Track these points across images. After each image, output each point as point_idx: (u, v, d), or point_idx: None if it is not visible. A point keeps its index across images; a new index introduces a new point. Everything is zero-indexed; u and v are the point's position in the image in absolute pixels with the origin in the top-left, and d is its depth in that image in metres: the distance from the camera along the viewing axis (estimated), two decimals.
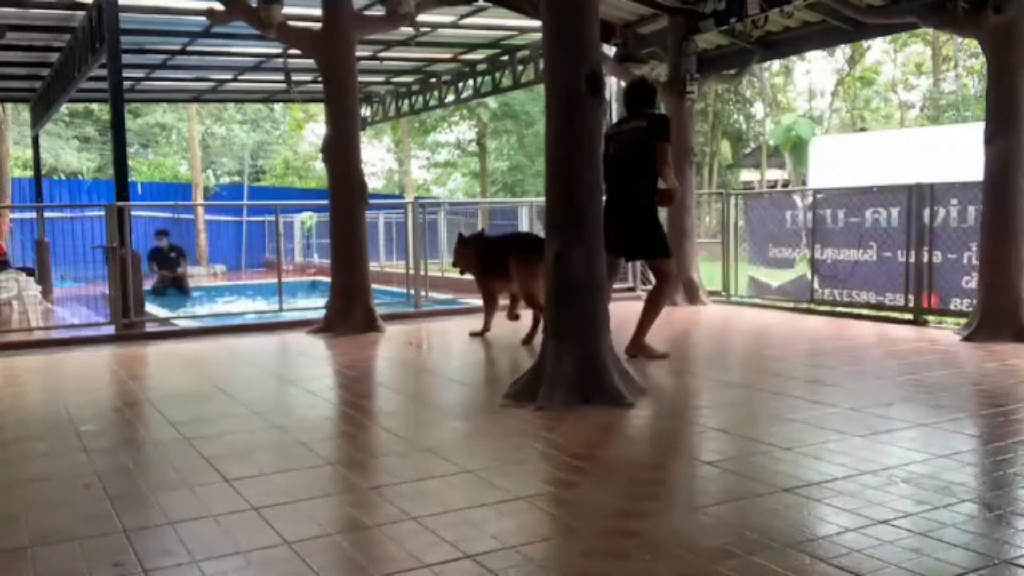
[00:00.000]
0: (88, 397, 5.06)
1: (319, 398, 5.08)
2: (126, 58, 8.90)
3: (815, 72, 33.44)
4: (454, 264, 7.44)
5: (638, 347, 5.68)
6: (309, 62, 9.07)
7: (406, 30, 9.33)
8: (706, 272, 9.69)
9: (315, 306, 8.96)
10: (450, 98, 14.67)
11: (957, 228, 7.30)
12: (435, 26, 10.53)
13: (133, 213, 8.55)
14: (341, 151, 7.57)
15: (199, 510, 2.99)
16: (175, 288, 14.12)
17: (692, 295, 9.09)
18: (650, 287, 10.76)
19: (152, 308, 10.11)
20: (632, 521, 2.84)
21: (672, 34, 9.00)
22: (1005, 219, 6.36)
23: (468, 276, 7.65)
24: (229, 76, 13.47)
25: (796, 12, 7.98)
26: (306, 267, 18.49)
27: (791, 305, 8.75)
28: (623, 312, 6.03)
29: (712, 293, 9.45)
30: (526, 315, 6.75)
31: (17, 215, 17.17)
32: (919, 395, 4.62)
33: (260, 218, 20.72)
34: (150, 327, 7.98)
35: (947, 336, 6.70)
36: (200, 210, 21.09)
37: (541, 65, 7.90)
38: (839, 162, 14.98)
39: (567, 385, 4.50)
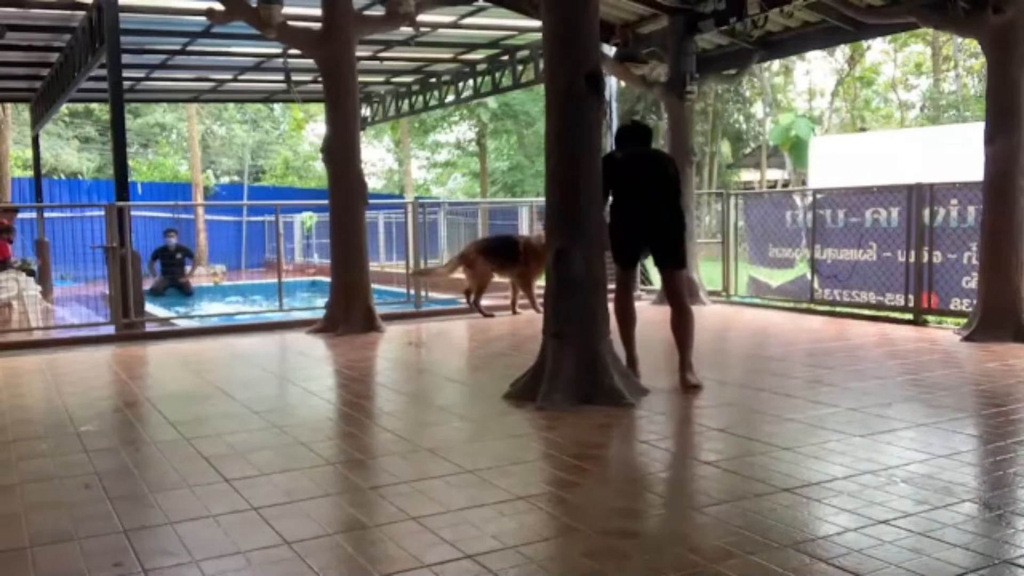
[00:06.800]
0: (88, 397, 5.06)
1: (319, 398, 5.08)
2: (126, 58, 8.91)
3: (815, 72, 33.45)
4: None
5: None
6: (309, 62, 9.07)
7: (406, 30, 9.33)
8: (706, 272, 9.69)
9: (315, 306, 8.96)
10: (450, 98, 14.67)
11: (957, 228, 7.30)
12: (435, 26, 10.54)
13: (133, 213, 8.55)
14: (341, 151, 7.57)
15: (199, 510, 2.99)
16: (176, 288, 14.10)
17: (692, 295, 9.08)
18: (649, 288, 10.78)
19: (152, 308, 10.12)
20: (632, 521, 2.84)
21: (672, 34, 9.00)
22: (1005, 219, 6.36)
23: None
24: (229, 76, 13.47)
25: (796, 12, 7.98)
26: (306, 267, 18.48)
27: (791, 305, 8.75)
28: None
29: (712, 293, 9.45)
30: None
31: (17, 215, 17.14)
32: (919, 395, 4.62)
33: (260, 218, 20.72)
34: (150, 327, 7.99)
35: (947, 336, 6.70)
36: (200, 210, 21.07)
37: (541, 65, 7.90)
38: (839, 162, 14.98)
39: (567, 385, 4.50)
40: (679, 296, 5.04)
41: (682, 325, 4.96)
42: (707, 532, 2.73)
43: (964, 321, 6.81)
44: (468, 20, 10.32)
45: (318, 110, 25.25)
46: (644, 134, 5.31)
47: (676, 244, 5.03)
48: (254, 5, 7.37)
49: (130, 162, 19.14)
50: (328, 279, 8.32)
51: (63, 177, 25.84)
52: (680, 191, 5.16)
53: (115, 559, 2.57)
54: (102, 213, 7.81)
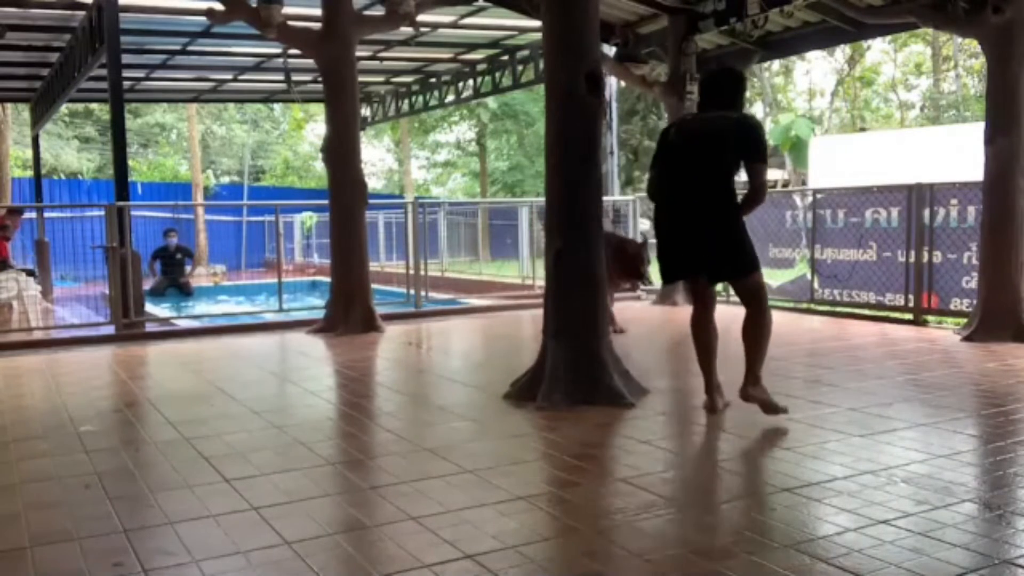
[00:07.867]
0: (88, 397, 5.06)
1: (319, 398, 5.08)
2: (126, 58, 8.91)
3: (815, 72, 33.43)
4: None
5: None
6: (309, 62, 9.07)
7: (406, 30, 9.33)
8: None
9: (315, 306, 8.96)
10: (450, 98, 14.67)
11: (957, 228, 7.30)
12: (435, 26, 10.54)
13: (133, 213, 8.55)
14: (341, 151, 7.57)
15: (199, 510, 2.99)
16: (176, 288, 14.10)
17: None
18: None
19: (152, 308, 10.11)
20: (632, 521, 2.84)
21: (672, 34, 8.99)
22: (1005, 219, 6.36)
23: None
24: (229, 76, 13.47)
25: (796, 12, 7.98)
26: (306, 267, 18.47)
27: (791, 305, 8.74)
28: (626, 312, 6.01)
29: None
30: None
31: (22, 217, 17.13)
32: (919, 395, 4.62)
33: (260, 218, 20.71)
34: (150, 327, 7.99)
35: (947, 336, 6.70)
36: (200, 210, 21.06)
37: (541, 65, 7.90)
38: (839, 162, 14.98)
39: (567, 385, 4.51)
40: (756, 300, 4.32)
41: (754, 331, 4.28)
42: (707, 532, 2.73)
43: (964, 321, 6.80)
44: (468, 20, 10.32)
45: (318, 110, 25.25)
46: (726, 89, 4.22)
47: (735, 250, 4.22)
48: (254, 5, 7.38)
49: (130, 162, 19.17)
50: (328, 279, 8.32)
51: (63, 177, 25.81)
52: (759, 163, 4.26)
53: (115, 559, 2.57)
54: (102, 213, 7.81)
